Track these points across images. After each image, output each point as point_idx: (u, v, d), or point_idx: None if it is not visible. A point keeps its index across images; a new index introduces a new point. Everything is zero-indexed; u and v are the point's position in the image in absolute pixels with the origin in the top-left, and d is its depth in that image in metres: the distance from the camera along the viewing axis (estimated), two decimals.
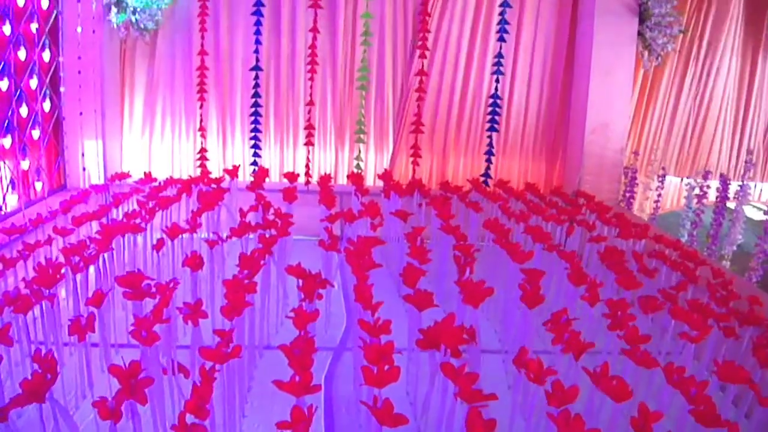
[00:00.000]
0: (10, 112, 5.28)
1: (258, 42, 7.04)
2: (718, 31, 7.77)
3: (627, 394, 2.65)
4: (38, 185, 5.82)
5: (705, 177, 6.81)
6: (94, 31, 6.21)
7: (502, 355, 3.96)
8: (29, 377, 2.46)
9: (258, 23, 6.99)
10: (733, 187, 6.61)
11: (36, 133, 5.76)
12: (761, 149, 8.53)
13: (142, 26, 6.52)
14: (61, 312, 3.59)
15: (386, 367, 2.64)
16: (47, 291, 3.37)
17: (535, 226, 5.02)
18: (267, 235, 4.33)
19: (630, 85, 6.96)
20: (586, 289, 3.81)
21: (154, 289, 3.35)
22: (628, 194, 7.19)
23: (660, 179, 7.42)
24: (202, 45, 6.97)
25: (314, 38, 7.05)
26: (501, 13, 7.15)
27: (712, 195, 6.82)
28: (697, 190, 6.78)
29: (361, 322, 3.10)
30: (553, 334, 3.18)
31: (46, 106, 5.96)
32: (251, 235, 4.59)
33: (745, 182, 6.52)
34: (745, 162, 7.14)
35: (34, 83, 5.67)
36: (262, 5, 6.94)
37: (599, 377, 2.76)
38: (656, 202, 7.35)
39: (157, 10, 6.58)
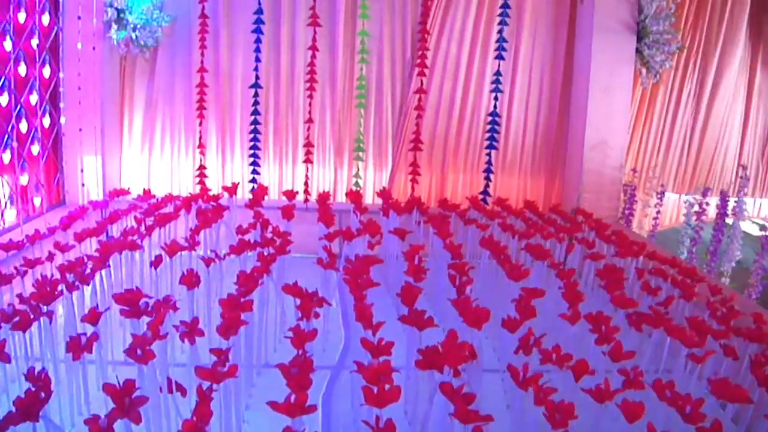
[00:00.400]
0: (9, 128, 5.28)
1: (258, 59, 7.06)
2: (715, 46, 7.81)
3: (639, 412, 2.64)
4: (37, 200, 5.81)
5: (704, 194, 6.82)
6: (94, 48, 6.23)
7: (501, 374, 3.95)
8: (23, 395, 2.44)
9: (258, 41, 7.01)
10: (732, 203, 6.62)
11: (35, 149, 5.76)
12: (760, 164, 8.54)
13: (142, 43, 6.54)
14: (59, 328, 3.58)
15: (387, 387, 2.63)
16: (45, 308, 3.36)
17: (534, 244, 5.02)
18: (265, 254, 4.33)
19: (628, 102, 6.98)
20: (568, 307, 3.82)
21: (151, 308, 3.35)
22: (627, 211, 7.20)
23: (659, 196, 7.42)
24: (201, 62, 6.99)
25: (313, 56, 7.07)
26: (499, 31, 7.19)
27: (712, 211, 6.83)
28: (696, 207, 6.78)
29: (364, 341, 3.09)
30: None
31: (46, 121, 5.96)
32: (249, 253, 4.58)
33: (740, 198, 6.53)
34: (740, 177, 7.16)
35: (34, 99, 5.68)
36: (262, 23, 6.97)
37: (602, 395, 2.75)
38: (655, 219, 7.35)
39: (158, 27, 6.61)
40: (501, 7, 7.15)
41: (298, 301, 3.57)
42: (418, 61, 7.15)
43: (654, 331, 3.72)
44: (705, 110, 7.99)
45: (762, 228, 6.07)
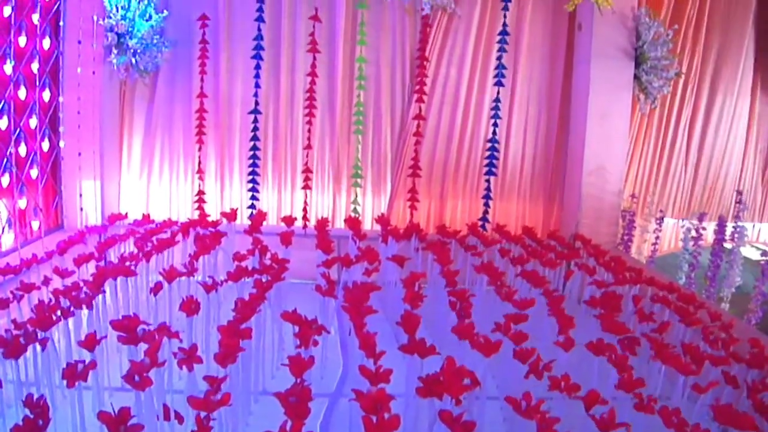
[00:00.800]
0: (8, 151, 5.28)
1: (257, 85, 7.07)
2: (714, 72, 7.87)
3: None
4: (35, 224, 5.79)
5: (700, 219, 6.81)
6: (94, 72, 6.25)
7: (500, 402, 3.92)
8: (21, 421, 2.42)
9: (257, 67, 7.04)
10: (730, 228, 6.61)
11: (34, 172, 5.76)
12: (759, 188, 8.56)
13: (142, 68, 6.56)
14: (57, 353, 3.56)
15: (386, 416, 2.61)
16: (42, 333, 3.34)
17: (531, 270, 5.01)
18: (263, 280, 4.31)
19: (627, 128, 6.97)
20: (559, 332, 3.81)
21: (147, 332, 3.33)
22: (626, 237, 7.18)
23: (658, 222, 7.41)
24: (201, 88, 7.00)
25: (312, 82, 7.09)
26: (498, 58, 7.21)
27: (711, 236, 6.81)
28: (693, 232, 6.76)
29: (362, 369, 3.07)
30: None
31: (45, 145, 5.97)
32: (247, 279, 4.56)
33: (738, 223, 6.51)
34: (737, 203, 7.17)
35: (33, 122, 5.68)
36: (262, 49, 7.00)
37: (607, 425, 2.74)
38: (654, 244, 7.33)
39: (158, 53, 6.63)
40: (500, 33, 7.18)
41: (297, 328, 3.56)
42: (417, 87, 7.17)
43: (650, 357, 3.72)
44: (702, 135, 8.02)
45: (763, 253, 6.04)
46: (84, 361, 3.06)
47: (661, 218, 7.44)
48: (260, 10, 6.93)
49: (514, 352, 3.48)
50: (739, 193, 7.55)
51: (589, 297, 4.63)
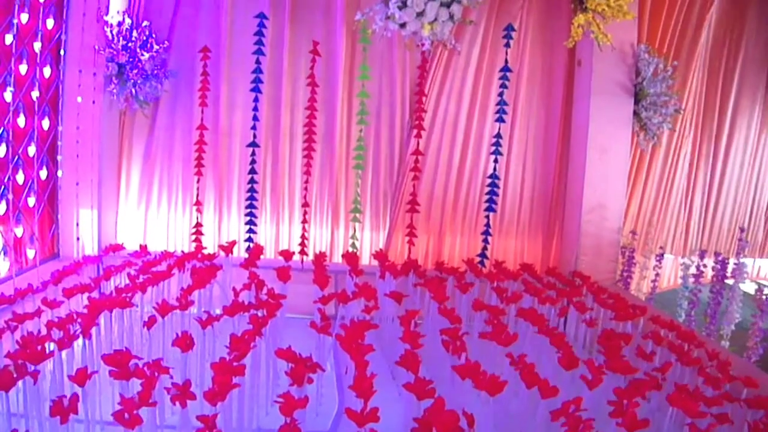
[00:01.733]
0: (6, 179, 5.27)
1: (256, 118, 7.06)
2: (719, 109, 7.89)
3: None
4: (30, 253, 5.76)
5: (701, 256, 6.78)
6: (94, 102, 6.24)
7: None
8: None
9: (256, 100, 7.04)
10: (731, 265, 6.57)
11: (31, 201, 5.74)
12: (761, 225, 8.53)
13: (142, 98, 6.56)
14: (48, 384, 3.52)
15: None
16: (32, 367, 3.30)
17: (529, 308, 4.98)
18: (259, 315, 4.27)
19: (627, 164, 6.96)
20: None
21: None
22: (625, 273, 7.13)
23: (658, 258, 7.37)
24: (201, 119, 7.00)
25: (312, 116, 7.09)
26: (500, 94, 7.22)
27: (710, 273, 6.78)
28: (693, 269, 6.72)
29: (348, 411, 3.03)
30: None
31: (43, 173, 5.95)
32: (243, 314, 4.51)
33: (739, 260, 6.48)
34: (739, 240, 7.15)
35: (32, 151, 5.67)
36: (261, 82, 7.01)
37: None
38: (654, 281, 7.28)
39: (158, 84, 6.64)
40: (501, 70, 7.19)
41: (290, 365, 3.52)
42: (416, 122, 7.16)
43: (653, 398, 3.68)
44: (696, 170, 8.02)
45: (758, 289, 5.98)
46: (76, 394, 3.02)
47: (661, 255, 7.40)
48: (260, 43, 6.95)
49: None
50: (742, 230, 7.52)
51: (589, 335, 4.60)
